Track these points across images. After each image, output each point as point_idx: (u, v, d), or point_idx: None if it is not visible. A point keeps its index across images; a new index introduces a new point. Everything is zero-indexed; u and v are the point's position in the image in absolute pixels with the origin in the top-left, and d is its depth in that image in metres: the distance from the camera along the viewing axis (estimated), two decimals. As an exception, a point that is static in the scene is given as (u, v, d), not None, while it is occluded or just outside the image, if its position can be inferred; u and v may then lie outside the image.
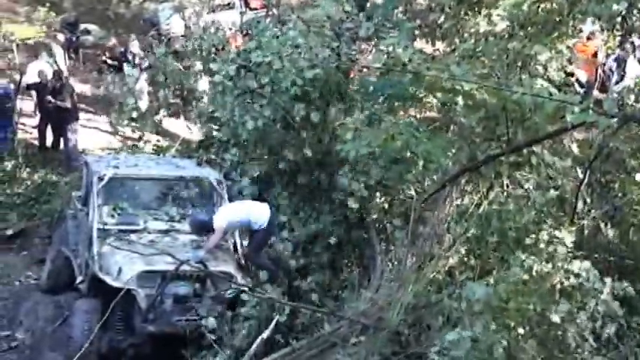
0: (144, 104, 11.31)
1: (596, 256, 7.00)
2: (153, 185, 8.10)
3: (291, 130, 8.09)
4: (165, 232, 7.68)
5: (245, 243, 7.81)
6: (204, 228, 7.61)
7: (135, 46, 13.52)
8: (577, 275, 6.31)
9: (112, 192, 7.87)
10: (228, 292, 7.03)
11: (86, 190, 8.34)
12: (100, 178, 7.81)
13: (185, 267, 6.92)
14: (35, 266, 9.40)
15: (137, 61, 13.18)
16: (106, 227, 7.59)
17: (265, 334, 6.39)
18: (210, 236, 7.51)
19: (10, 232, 10.02)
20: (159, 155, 9.66)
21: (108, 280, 7.09)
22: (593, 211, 7.79)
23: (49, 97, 11.67)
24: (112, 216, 7.74)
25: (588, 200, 7.82)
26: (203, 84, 10.75)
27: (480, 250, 6.81)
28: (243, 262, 7.56)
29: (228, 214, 7.60)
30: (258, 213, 7.59)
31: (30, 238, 10.05)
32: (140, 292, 6.97)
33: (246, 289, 6.85)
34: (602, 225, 7.75)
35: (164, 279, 6.98)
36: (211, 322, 6.65)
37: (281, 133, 8.15)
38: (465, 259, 6.67)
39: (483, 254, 6.76)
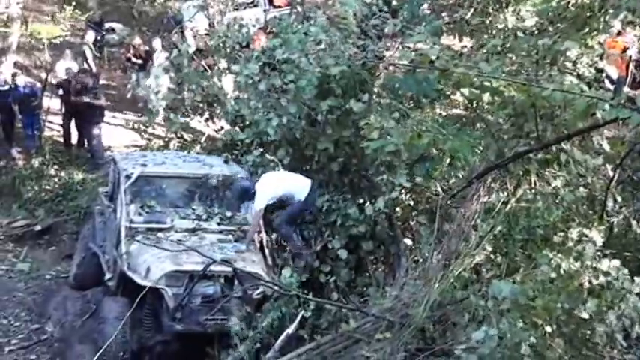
0: (163, 103, 11.46)
1: (626, 254, 7.00)
2: (180, 183, 8.19)
3: (316, 127, 8.15)
4: (192, 231, 7.76)
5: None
6: (245, 196, 7.75)
7: (157, 44, 13.72)
8: (606, 274, 6.33)
9: (140, 190, 7.97)
10: (256, 292, 7.11)
11: (113, 187, 8.49)
12: (128, 177, 7.92)
13: (213, 267, 7.03)
14: (64, 261, 9.68)
15: (159, 60, 13.38)
16: (134, 225, 7.70)
17: (290, 329, 6.47)
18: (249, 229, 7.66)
19: (38, 227, 10.26)
20: (185, 153, 9.79)
21: (136, 278, 7.21)
22: (623, 209, 7.78)
23: (82, 97, 11.88)
24: (140, 214, 7.85)
25: (619, 199, 7.82)
26: (227, 82, 10.90)
27: (507, 247, 6.83)
28: (270, 261, 7.63)
29: (271, 190, 7.66)
30: (301, 187, 7.70)
31: (58, 234, 10.32)
32: (168, 291, 7.08)
33: (273, 289, 6.91)
34: (632, 223, 7.74)
35: (192, 279, 7.08)
36: (235, 322, 6.73)
37: (306, 130, 8.21)
38: (492, 256, 6.70)
39: (510, 252, 6.77)
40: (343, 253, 7.37)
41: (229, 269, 7.11)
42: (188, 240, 7.63)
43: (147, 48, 14.08)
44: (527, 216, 7.06)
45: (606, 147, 7.99)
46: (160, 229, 7.75)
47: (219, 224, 7.92)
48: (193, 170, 8.30)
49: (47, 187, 11.10)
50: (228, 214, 8.05)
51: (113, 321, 6.98)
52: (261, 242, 7.82)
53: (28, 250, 9.95)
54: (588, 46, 8.26)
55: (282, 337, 6.43)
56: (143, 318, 7.23)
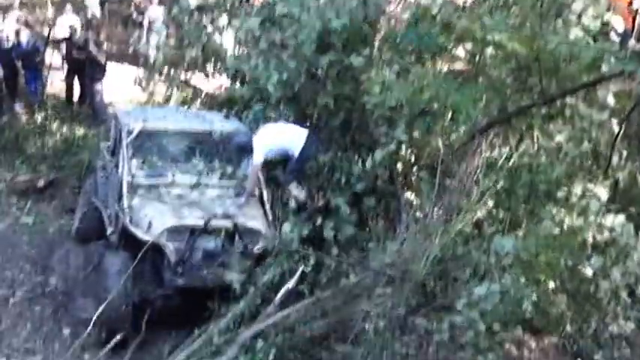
0: (160, 57, 11.21)
1: (630, 210, 6.80)
2: (182, 139, 8.01)
3: (317, 82, 7.89)
4: (193, 185, 7.62)
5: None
6: (244, 150, 7.63)
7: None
8: (611, 230, 6.15)
9: (142, 145, 7.80)
10: (256, 247, 6.99)
11: (115, 142, 8.31)
12: (130, 132, 7.75)
13: (214, 222, 6.91)
14: (66, 215, 9.48)
15: (155, 13, 13.04)
16: (135, 180, 7.55)
17: (290, 285, 6.35)
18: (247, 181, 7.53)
19: (41, 182, 10.07)
20: (185, 108, 9.56)
21: (138, 233, 7.09)
22: (628, 164, 7.55)
23: (83, 53, 11.64)
24: (141, 169, 7.70)
25: (624, 153, 7.58)
26: (227, 39, 10.57)
27: (510, 203, 6.64)
28: (270, 216, 7.46)
29: (269, 142, 7.51)
30: (299, 139, 7.54)
31: (60, 189, 10.10)
32: (170, 245, 6.97)
33: (273, 244, 6.79)
34: (638, 178, 7.51)
35: (193, 234, 6.96)
36: (236, 277, 6.58)
37: (306, 85, 7.94)
38: (494, 212, 6.51)
39: (513, 207, 6.59)
40: (346, 210, 7.19)
41: (230, 224, 6.98)
42: (189, 195, 7.51)
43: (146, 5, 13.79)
44: (530, 171, 6.85)
45: (611, 101, 7.73)
46: (162, 184, 7.61)
47: (219, 179, 7.76)
48: (195, 126, 8.12)
49: (49, 143, 10.91)
50: (229, 169, 7.87)
51: (115, 275, 6.85)
52: (261, 197, 7.65)
53: (32, 204, 9.77)
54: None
55: (281, 292, 6.31)
56: (144, 272, 7.10)
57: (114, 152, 8.27)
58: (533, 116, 7.40)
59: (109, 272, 6.91)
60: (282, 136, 7.63)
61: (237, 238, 7.01)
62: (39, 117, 11.46)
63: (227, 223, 6.98)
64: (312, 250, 6.56)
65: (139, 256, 6.76)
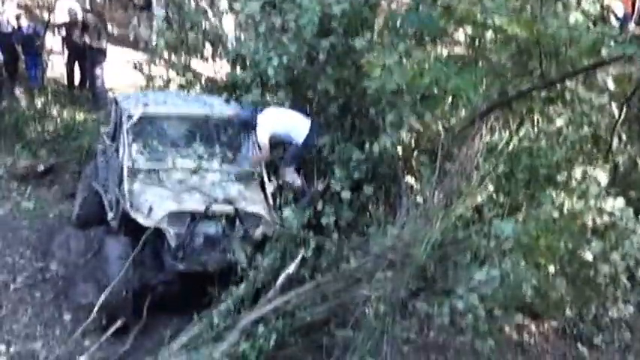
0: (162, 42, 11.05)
1: (630, 194, 6.73)
2: (182, 123, 7.92)
3: (317, 66, 7.78)
4: (194, 170, 7.52)
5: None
6: (245, 127, 7.60)
7: None
8: (610, 214, 6.08)
9: (142, 130, 7.71)
10: (257, 232, 6.93)
11: (115, 126, 8.22)
12: (130, 117, 7.64)
13: (215, 207, 6.84)
14: (67, 200, 9.39)
15: None
16: (136, 165, 7.47)
17: (290, 269, 6.29)
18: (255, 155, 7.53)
19: (41, 167, 9.97)
20: (185, 92, 9.45)
21: (139, 218, 6.99)
22: (628, 147, 7.47)
23: (83, 37, 11.52)
24: (142, 154, 7.62)
25: (624, 137, 7.50)
26: (228, 22, 10.44)
27: (510, 187, 6.56)
28: (271, 200, 7.39)
29: (270, 124, 7.46)
30: (301, 125, 7.50)
31: (61, 174, 10.00)
32: (170, 230, 6.88)
33: (274, 229, 6.73)
34: (638, 162, 7.43)
35: (194, 219, 6.89)
36: (242, 258, 6.54)
37: (307, 69, 7.84)
38: (494, 196, 6.43)
39: (513, 191, 6.52)
40: (346, 195, 7.12)
41: (231, 209, 6.90)
42: (190, 179, 7.42)
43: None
44: (530, 155, 6.77)
45: (611, 85, 7.63)
46: (162, 169, 7.53)
47: (220, 164, 7.68)
48: (195, 110, 8.01)
49: (50, 128, 10.79)
50: (230, 154, 7.81)
51: (116, 260, 6.79)
52: (262, 182, 7.57)
53: (32, 189, 9.69)
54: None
55: (282, 276, 6.26)
56: (145, 257, 7.04)
57: (114, 137, 8.18)
58: (533, 100, 7.31)
59: (110, 258, 6.85)
60: (287, 121, 7.58)
61: (237, 222, 6.94)
62: (39, 102, 11.34)
63: (228, 208, 6.91)
64: (312, 235, 6.49)
65: (140, 241, 6.70)
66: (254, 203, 7.14)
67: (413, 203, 6.49)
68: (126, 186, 7.28)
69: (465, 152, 6.75)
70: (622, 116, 7.33)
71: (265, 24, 8.10)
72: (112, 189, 7.79)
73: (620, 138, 7.48)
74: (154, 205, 6.99)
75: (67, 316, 7.32)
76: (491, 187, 6.43)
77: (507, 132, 7.13)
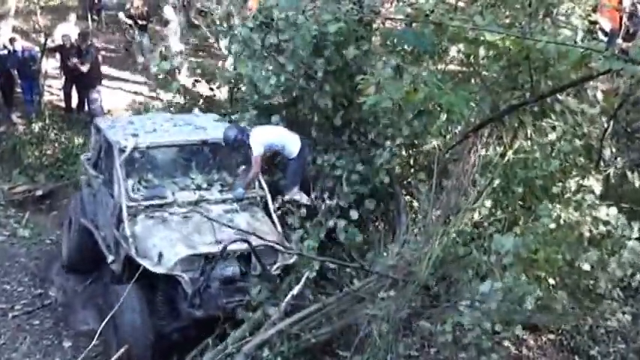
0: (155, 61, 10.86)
1: (622, 205, 6.58)
2: (176, 152, 7.24)
3: (315, 83, 7.61)
4: (196, 203, 6.88)
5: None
6: (237, 143, 7.08)
7: (170, 13, 12.91)
8: (605, 223, 5.93)
9: (135, 163, 7.05)
10: (275, 267, 6.40)
11: (98, 154, 7.66)
12: (122, 150, 6.94)
13: (231, 247, 6.24)
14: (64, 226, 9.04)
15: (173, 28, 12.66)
16: (134, 203, 6.78)
17: (295, 291, 6.01)
18: (247, 170, 7.07)
19: (39, 192, 9.77)
20: (171, 115, 8.64)
21: (148, 265, 6.31)
22: (618, 159, 7.35)
23: (73, 60, 11.35)
24: (138, 190, 6.93)
25: (614, 149, 7.37)
26: (224, 44, 10.20)
27: (507, 201, 6.40)
28: (279, 227, 6.87)
29: (264, 137, 7.09)
30: (292, 140, 7.17)
31: (59, 199, 9.77)
32: (185, 277, 6.24)
33: (293, 258, 6.31)
34: (628, 174, 7.30)
35: (207, 260, 6.30)
36: (262, 297, 6.08)
37: (304, 88, 7.65)
38: (492, 210, 6.26)
39: (510, 205, 6.36)
40: (354, 214, 6.81)
41: (247, 247, 6.29)
42: (194, 215, 6.71)
43: (146, 8, 13.41)
44: (525, 167, 6.62)
45: (600, 97, 7.52)
46: (162, 205, 6.83)
47: (220, 192, 7.09)
48: (188, 136, 7.30)
49: (47, 152, 10.55)
50: (229, 179, 7.27)
51: (129, 312, 6.15)
52: (266, 205, 7.12)
53: (30, 215, 9.44)
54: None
55: (287, 298, 5.95)
56: (157, 306, 6.41)
57: (96, 164, 7.64)
58: (525, 113, 7.18)
59: (123, 310, 6.11)
60: (276, 132, 7.26)
61: (253, 260, 6.42)
62: (36, 126, 11.12)
63: (244, 247, 6.34)
64: (316, 255, 6.26)
65: (149, 287, 6.21)
66: (266, 235, 6.49)
67: (412, 220, 6.31)
68: (127, 229, 6.62)
69: (461, 167, 6.60)
70: (610, 129, 7.23)
71: (261, 43, 7.91)
72: (108, 228, 7.15)
73: (610, 150, 7.37)
74: (165, 250, 6.37)
75: (66, 344, 7.08)
76: (488, 203, 6.26)
77: (501, 147, 6.98)
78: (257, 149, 7.02)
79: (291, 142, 7.21)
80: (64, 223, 8.32)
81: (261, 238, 6.16)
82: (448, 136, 7.28)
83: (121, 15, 13.33)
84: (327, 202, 6.99)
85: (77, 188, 8.80)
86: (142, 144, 7.08)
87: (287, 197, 7.15)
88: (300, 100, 7.73)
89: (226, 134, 7.15)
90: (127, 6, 13.44)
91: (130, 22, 13.21)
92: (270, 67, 7.68)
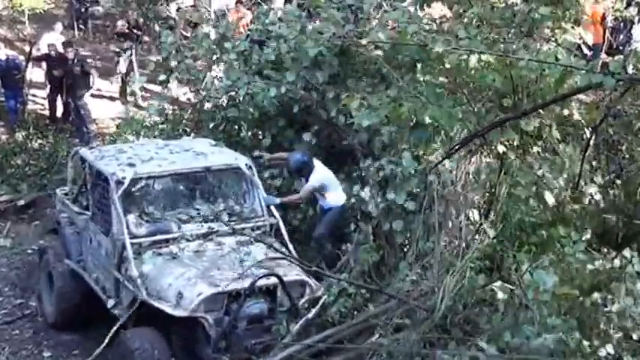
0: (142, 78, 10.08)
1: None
2: (178, 181, 6.16)
3: (315, 94, 6.88)
4: (205, 236, 5.78)
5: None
6: (304, 169, 6.28)
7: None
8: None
9: (134, 196, 5.92)
10: (303, 301, 5.43)
11: (79, 187, 6.49)
12: (119, 182, 5.72)
13: (259, 282, 5.22)
14: (47, 236, 7.85)
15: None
16: (137, 240, 5.64)
17: (310, 315, 5.19)
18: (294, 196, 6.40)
19: (22, 202, 8.60)
20: (163, 142, 7.17)
21: (165, 308, 5.20)
22: (599, 178, 6.83)
23: (62, 70, 10.39)
24: (141, 225, 5.79)
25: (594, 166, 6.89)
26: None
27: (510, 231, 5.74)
28: (293, 250, 5.85)
29: (326, 175, 6.31)
30: (340, 188, 6.40)
31: (41, 209, 8.63)
32: (209, 318, 5.16)
33: (319, 293, 5.44)
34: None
35: (231, 298, 5.25)
36: (292, 334, 5.17)
37: (307, 97, 6.88)
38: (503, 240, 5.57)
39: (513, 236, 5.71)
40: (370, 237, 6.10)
41: (275, 281, 5.29)
42: (206, 249, 5.69)
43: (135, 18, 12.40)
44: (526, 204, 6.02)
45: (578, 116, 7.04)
46: (168, 240, 5.71)
47: (229, 222, 5.98)
48: (190, 164, 6.14)
49: (31, 162, 9.36)
50: (236, 208, 6.15)
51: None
52: (281, 236, 6.05)
53: (11, 225, 8.35)
54: (564, 12, 7.23)
55: (300, 322, 5.12)
56: (177, 352, 5.30)
57: (76, 199, 6.44)
58: (507, 131, 6.65)
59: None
60: (336, 181, 6.50)
61: (279, 294, 5.40)
62: (20, 135, 9.93)
63: (272, 281, 5.30)
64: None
65: (163, 331, 5.19)
66: (290, 268, 5.47)
67: (416, 249, 5.62)
68: (134, 269, 5.44)
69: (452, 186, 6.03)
70: (590, 144, 6.74)
71: (257, 58, 7.16)
72: (103, 270, 5.94)
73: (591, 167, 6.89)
74: (184, 290, 5.22)
75: (46, 354, 6.27)
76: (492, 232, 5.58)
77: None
78: (315, 181, 6.24)
79: (340, 191, 6.41)
80: (39, 277, 6.82)
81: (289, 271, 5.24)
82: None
83: (121, 23, 12.50)
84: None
85: (52, 232, 7.39)
86: (142, 174, 5.91)
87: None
88: (301, 110, 6.94)
89: (295, 158, 6.36)
90: (120, 22, 12.56)
91: (126, 31, 12.41)
92: (268, 80, 6.84)
